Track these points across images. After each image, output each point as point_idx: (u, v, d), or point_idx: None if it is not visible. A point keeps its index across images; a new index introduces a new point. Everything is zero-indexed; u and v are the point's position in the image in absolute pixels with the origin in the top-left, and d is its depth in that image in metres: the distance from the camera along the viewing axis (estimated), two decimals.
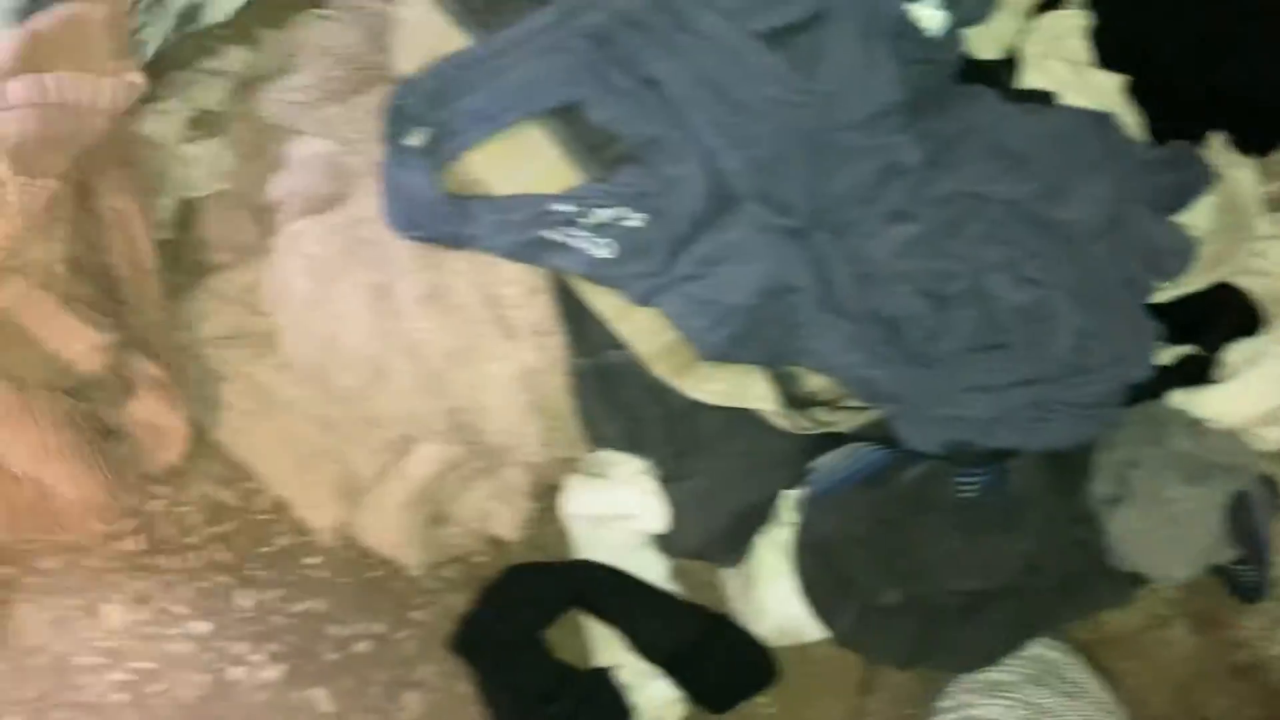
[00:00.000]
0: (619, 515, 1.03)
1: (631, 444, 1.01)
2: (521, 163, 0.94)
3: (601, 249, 0.91)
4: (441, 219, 0.90)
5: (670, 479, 1.01)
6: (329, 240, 0.99)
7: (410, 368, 0.96)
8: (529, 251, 0.92)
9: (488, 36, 0.95)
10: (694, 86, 0.93)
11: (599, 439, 1.01)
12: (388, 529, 1.02)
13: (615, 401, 1.00)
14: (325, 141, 1.03)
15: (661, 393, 0.98)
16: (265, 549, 1.10)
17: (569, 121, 0.94)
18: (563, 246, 0.91)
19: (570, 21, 0.93)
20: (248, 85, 1.06)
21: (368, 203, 0.98)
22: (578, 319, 0.98)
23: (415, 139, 0.92)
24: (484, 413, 0.97)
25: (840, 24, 0.93)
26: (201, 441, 1.05)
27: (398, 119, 0.92)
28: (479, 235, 0.91)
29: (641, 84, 0.93)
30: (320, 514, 1.02)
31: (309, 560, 1.10)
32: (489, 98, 0.93)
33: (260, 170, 1.04)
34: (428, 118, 0.92)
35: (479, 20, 0.95)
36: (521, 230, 0.90)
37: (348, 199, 1.01)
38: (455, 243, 0.93)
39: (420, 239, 0.93)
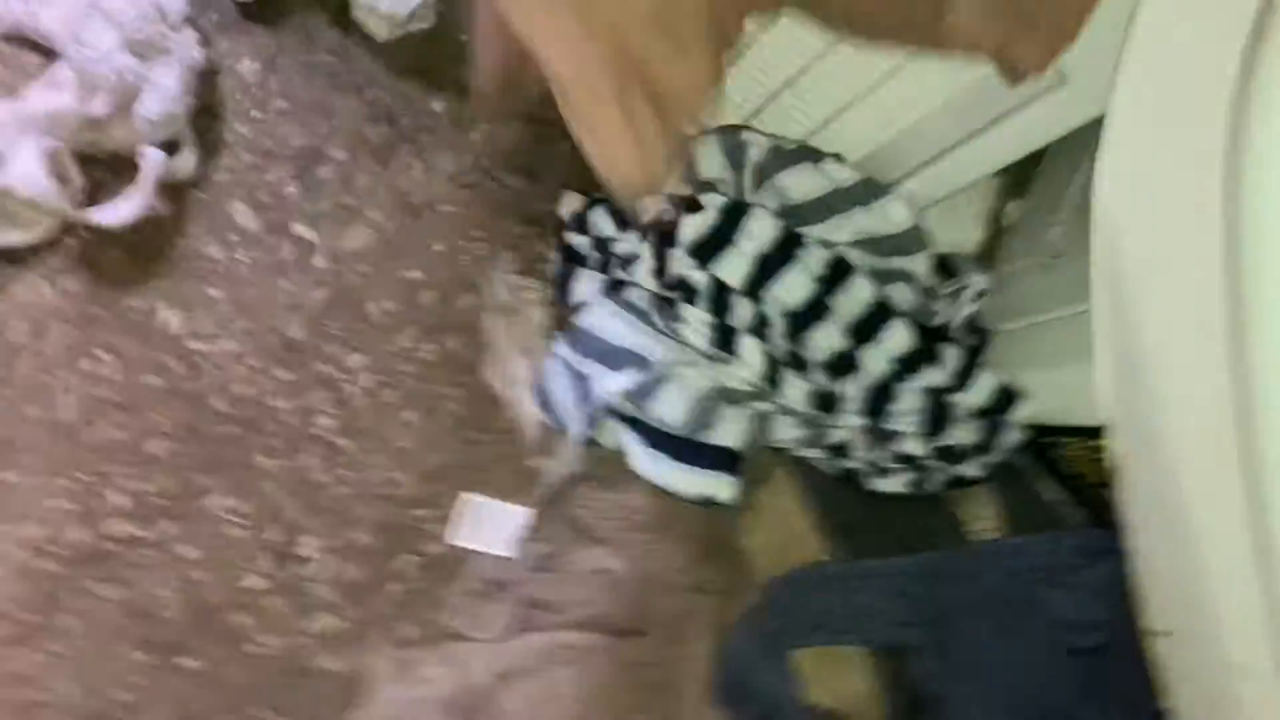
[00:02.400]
0: None
1: None
2: (839, 681, 0.97)
3: None
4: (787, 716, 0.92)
5: None
6: (617, 674, 0.97)
7: None
8: None
9: (843, 552, 1.00)
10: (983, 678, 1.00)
11: None
12: None
13: None
14: (625, 564, 1.03)
15: None
16: None
17: (889, 662, 0.98)
18: None
19: (923, 583, 0.99)
20: None
21: (667, 651, 0.98)
22: None
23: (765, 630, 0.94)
24: None
25: None
26: None
27: (764, 610, 0.94)
28: None
29: (953, 664, 0.99)
30: None
31: None
32: (835, 612, 0.97)
33: None
34: (780, 612, 0.95)
35: (839, 536, 1.01)
36: None
37: (642, 635, 0.99)
38: None
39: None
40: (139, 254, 1.02)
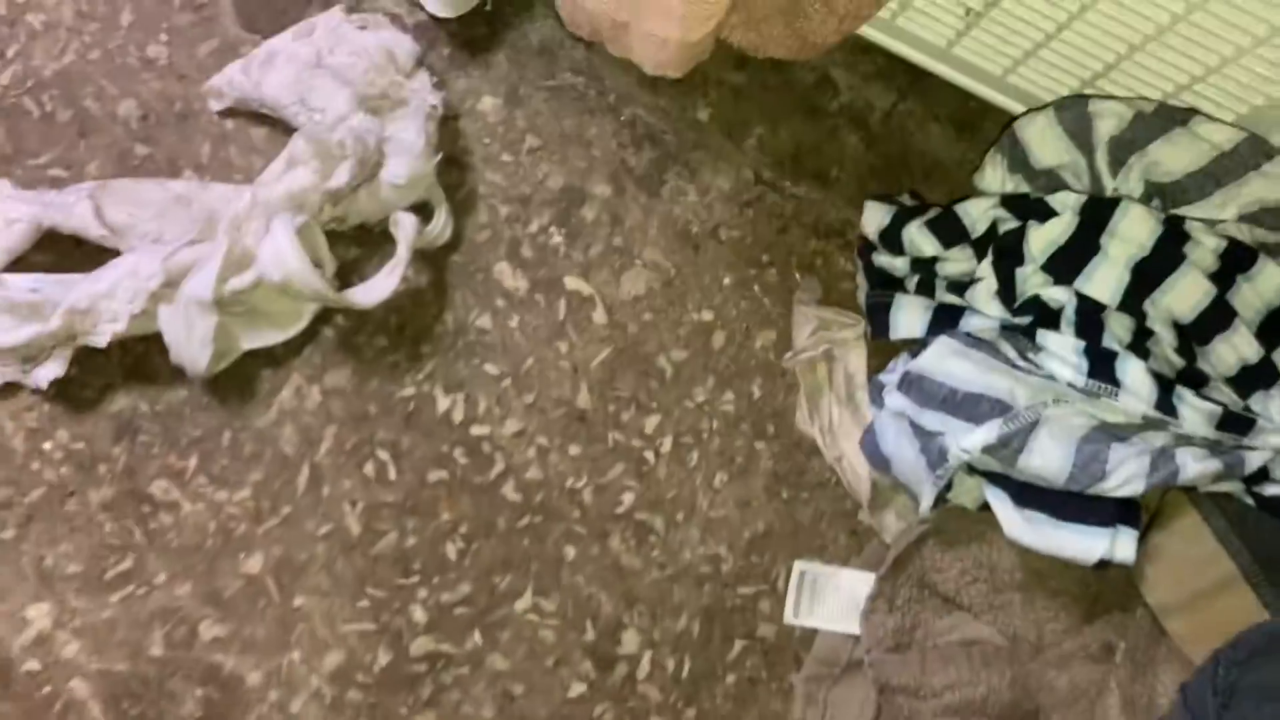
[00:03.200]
0: None
1: None
2: None
3: None
4: None
5: None
6: None
7: None
8: None
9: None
10: None
11: None
12: None
13: None
14: (992, 631, 0.86)
15: None
16: None
17: None
18: None
19: None
20: None
21: None
22: None
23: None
24: None
25: None
26: None
27: (1210, 689, 0.75)
28: None
29: None
30: None
31: None
32: None
33: None
34: (1223, 688, 0.76)
35: (1275, 583, 0.81)
36: None
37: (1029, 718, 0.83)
38: None
39: None
40: (403, 335, 0.90)
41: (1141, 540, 0.83)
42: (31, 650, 0.86)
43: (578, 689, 0.89)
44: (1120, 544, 0.79)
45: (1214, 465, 0.79)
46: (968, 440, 0.80)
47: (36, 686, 0.85)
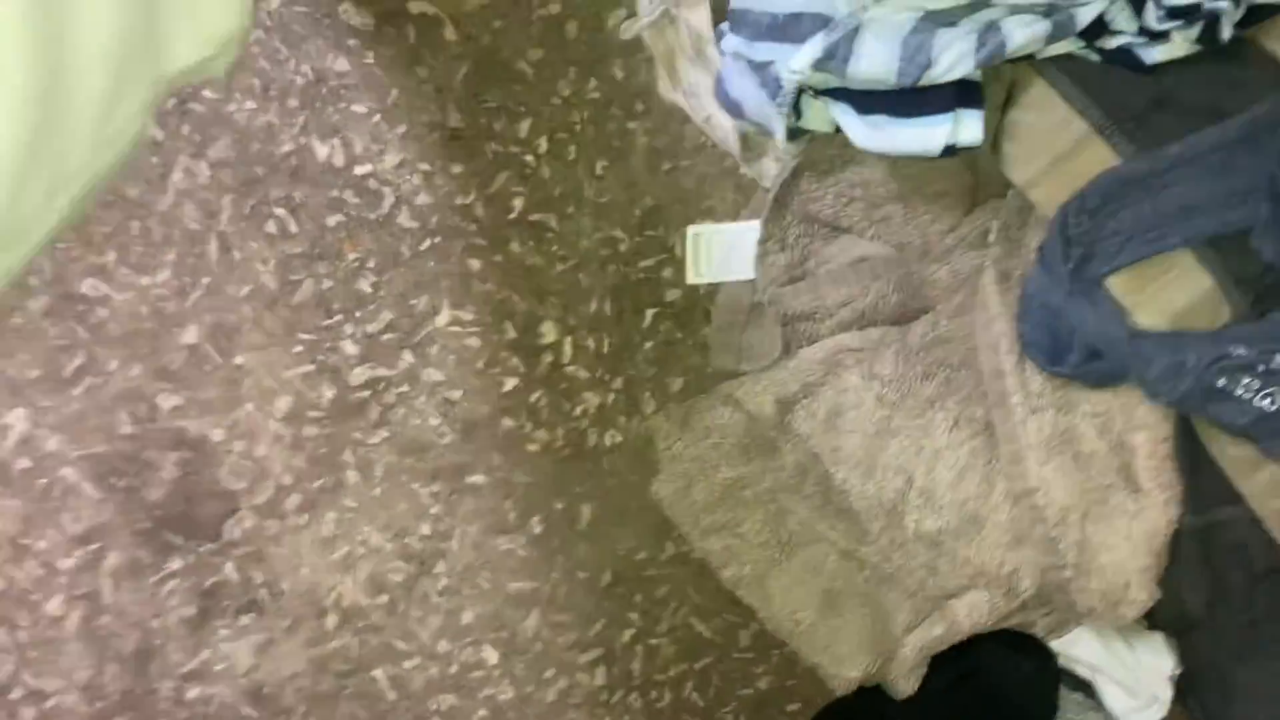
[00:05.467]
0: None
1: (1207, 614, 0.89)
2: (1169, 292, 0.82)
3: (1267, 400, 0.80)
4: (1115, 356, 0.78)
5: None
6: (905, 361, 0.86)
7: (1012, 518, 0.83)
8: (1194, 400, 0.80)
9: (1135, 150, 0.82)
10: None
11: (1175, 610, 0.89)
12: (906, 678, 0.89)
13: (1206, 567, 0.88)
14: (879, 245, 0.89)
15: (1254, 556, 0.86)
16: (744, 691, 0.95)
17: (1225, 250, 0.82)
18: (1229, 396, 0.79)
19: (1254, 142, 0.80)
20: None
21: (953, 324, 0.85)
22: (1193, 472, 0.85)
23: (1068, 263, 0.79)
24: (1089, 574, 0.84)
25: None
26: (685, 565, 0.93)
27: (1061, 240, 0.78)
28: (1148, 378, 0.78)
29: None
30: (847, 665, 0.88)
31: (790, 707, 0.95)
32: (1145, 219, 0.81)
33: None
34: (1081, 238, 0.80)
35: (1126, 131, 0.83)
36: (1195, 377, 0.78)
37: (919, 316, 0.87)
38: (1110, 382, 0.80)
39: (1065, 375, 0.81)
40: (269, 95, 0.94)
41: (999, 123, 0.85)
42: (19, 450, 0.95)
43: (510, 383, 0.96)
44: (964, 126, 0.82)
45: (1042, 27, 0.80)
46: (795, 60, 0.82)
47: (33, 480, 0.95)
